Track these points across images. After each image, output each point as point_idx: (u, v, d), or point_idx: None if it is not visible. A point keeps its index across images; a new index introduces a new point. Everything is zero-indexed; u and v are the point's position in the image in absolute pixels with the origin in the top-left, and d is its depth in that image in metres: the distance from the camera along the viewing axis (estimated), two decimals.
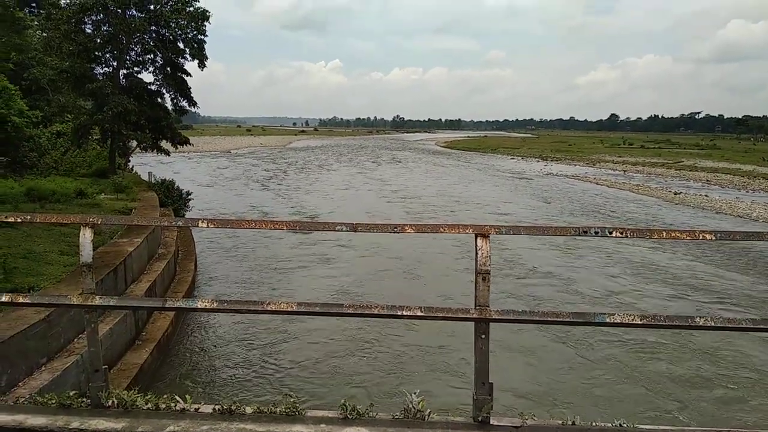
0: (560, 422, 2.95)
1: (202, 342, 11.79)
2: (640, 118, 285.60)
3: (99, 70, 25.26)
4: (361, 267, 18.27)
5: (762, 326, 3.07)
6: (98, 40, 24.33)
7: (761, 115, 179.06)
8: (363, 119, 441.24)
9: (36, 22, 31.12)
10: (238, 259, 18.98)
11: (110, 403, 2.96)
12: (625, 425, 2.92)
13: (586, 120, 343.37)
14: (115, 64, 25.19)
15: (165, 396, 3.01)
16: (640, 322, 2.90)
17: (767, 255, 20.40)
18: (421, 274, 17.61)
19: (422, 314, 2.98)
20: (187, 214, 23.73)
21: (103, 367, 3.01)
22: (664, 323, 2.93)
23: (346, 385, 9.86)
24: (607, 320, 2.91)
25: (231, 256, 19.35)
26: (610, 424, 2.93)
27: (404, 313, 2.98)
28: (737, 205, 33.26)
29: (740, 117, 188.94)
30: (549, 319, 3.10)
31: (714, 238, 2.91)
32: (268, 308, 2.85)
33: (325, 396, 9.31)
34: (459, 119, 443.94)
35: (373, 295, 15.55)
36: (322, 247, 20.45)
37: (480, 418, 2.90)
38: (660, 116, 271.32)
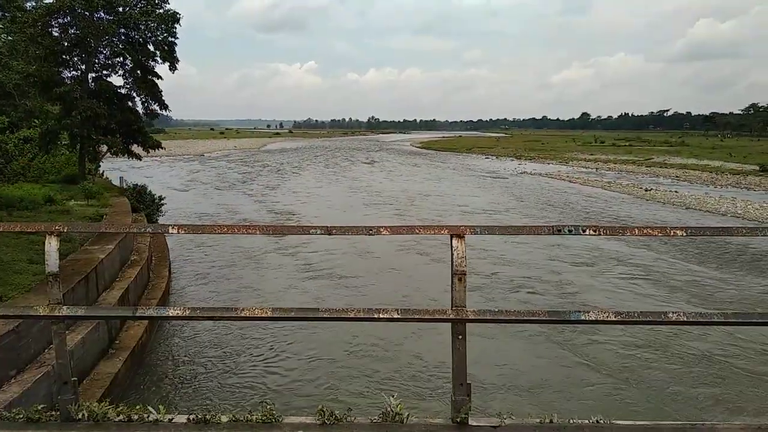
0: (538, 420, 2.96)
1: (177, 349, 11.61)
2: (611, 116, 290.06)
3: (67, 73, 24.74)
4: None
5: (733, 320, 3.13)
6: (66, 44, 23.84)
7: (728, 112, 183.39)
8: (338, 120, 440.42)
9: (0, 25, 30.40)
10: (212, 251, 19.48)
11: (80, 416, 2.89)
12: (601, 422, 2.95)
13: (558, 119, 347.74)
14: (83, 67, 24.70)
15: (138, 407, 2.94)
16: (614, 319, 2.93)
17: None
18: None
19: (399, 316, 2.97)
20: (161, 220, 23.39)
21: (73, 379, 2.94)
22: (638, 320, 2.97)
23: (326, 388, 9.80)
24: (582, 318, 2.94)
25: (206, 247, 19.84)
26: (587, 421, 2.96)
27: (381, 315, 2.97)
28: (706, 200, 33.97)
29: (708, 114, 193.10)
30: (525, 318, 3.12)
31: (685, 234, 2.96)
32: (242, 314, 2.80)
33: (305, 400, 9.24)
34: (434, 119, 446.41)
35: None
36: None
37: (458, 419, 2.89)
38: (630, 114, 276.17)
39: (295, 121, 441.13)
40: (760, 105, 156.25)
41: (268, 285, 16.55)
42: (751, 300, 15.19)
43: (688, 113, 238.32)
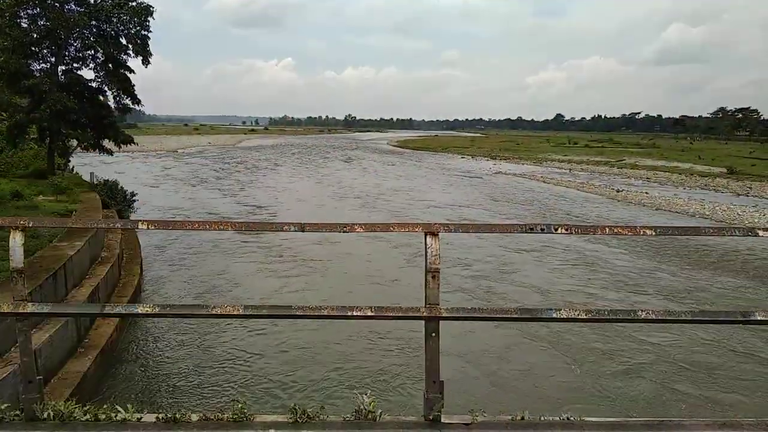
0: (509, 418, 2.99)
1: (148, 347, 11.44)
2: (584, 117, 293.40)
3: (36, 66, 24.12)
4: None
5: (700, 318, 3.20)
6: (35, 35, 23.24)
7: (697, 115, 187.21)
8: (314, 118, 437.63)
9: None
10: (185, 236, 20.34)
11: (46, 415, 2.82)
12: (571, 419, 2.98)
13: (533, 120, 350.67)
14: (53, 59, 24.14)
15: (105, 406, 2.89)
16: (585, 317, 2.97)
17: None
18: None
19: (373, 314, 2.96)
20: (132, 216, 23.01)
21: (38, 378, 2.87)
22: (608, 318, 3.01)
23: (301, 389, 9.75)
24: (554, 316, 2.97)
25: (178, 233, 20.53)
26: (557, 418, 2.99)
27: (355, 313, 2.96)
28: (675, 201, 34.69)
29: (678, 117, 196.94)
30: (498, 315, 3.14)
31: (654, 234, 3.01)
32: (213, 312, 2.77)
33: (278, 398, 9.18)
34: (410, 118, 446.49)
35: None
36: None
37: (431, 417, 2.90)
38: (603, 116, 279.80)
39: (270, 118, 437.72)
40: (728, 109, 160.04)
41: (238, 268, 17.66)
42: (672, 288, 16.67)
43: (659, 116, 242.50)
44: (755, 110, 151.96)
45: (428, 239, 2.93)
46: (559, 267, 18.75)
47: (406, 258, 18.89)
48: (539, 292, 15.76)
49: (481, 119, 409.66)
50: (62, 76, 24.30)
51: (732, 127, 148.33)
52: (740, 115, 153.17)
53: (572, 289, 16.16)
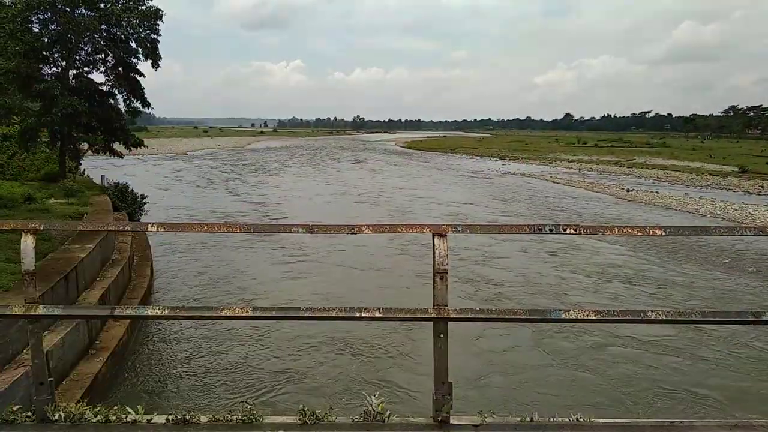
0: (519, 419, 2.97)
1: (159, 349, 11.50)
2: (593, 117, 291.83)
3: (47, 70, 24.33)
4: None
5: (710, 319, 3.18)
6: (46, 40, 23.47)
7: (708, 114, 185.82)
8: (323, 120, 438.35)
9: None
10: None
11: (57, 417, 2.84)
12: (582, 420, 2.97)
13: (542, 120, 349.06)
14: (64, 64, 24.36)
15: (116, 408, 2.90)
16: (594, 318, 2.95)
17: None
18: None
19: (381, 315, 2.96)
20: (143, 218, 23.16)
21: (49, 379, 2.89)
22: (617, 318, 2.99)
23: (308, 392, 9.77)
24: (563, 316, 2.95)
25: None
26: (567, 419, 2.97)
27: (362, 315, 2.96)
28: (686, 201, 34.42)
29: (688, 116, 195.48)
30: (507, 317, 3.13)
31: (664, 234, 2.99)
32: (222, 314, 2.78)
33: (287, 401, 9.20)
34: (419, 119, 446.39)
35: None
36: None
37: (440, 418, 2.90)
38: (612, 115, 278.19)
39: (279, 120, 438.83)
40: (739, 107, 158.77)
41: (242, 257, 18.67)
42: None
43: (669, 115, 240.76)
44: (767, 108, 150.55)
45: (436, 240, 2.92)
46: (540, 256, 19.40)
47: (400, 245, 20.07)
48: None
49: (489, 119, 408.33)
50: (73, 80, 24.50)
51: (743, 125, 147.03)
52: (752, 114, 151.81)
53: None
